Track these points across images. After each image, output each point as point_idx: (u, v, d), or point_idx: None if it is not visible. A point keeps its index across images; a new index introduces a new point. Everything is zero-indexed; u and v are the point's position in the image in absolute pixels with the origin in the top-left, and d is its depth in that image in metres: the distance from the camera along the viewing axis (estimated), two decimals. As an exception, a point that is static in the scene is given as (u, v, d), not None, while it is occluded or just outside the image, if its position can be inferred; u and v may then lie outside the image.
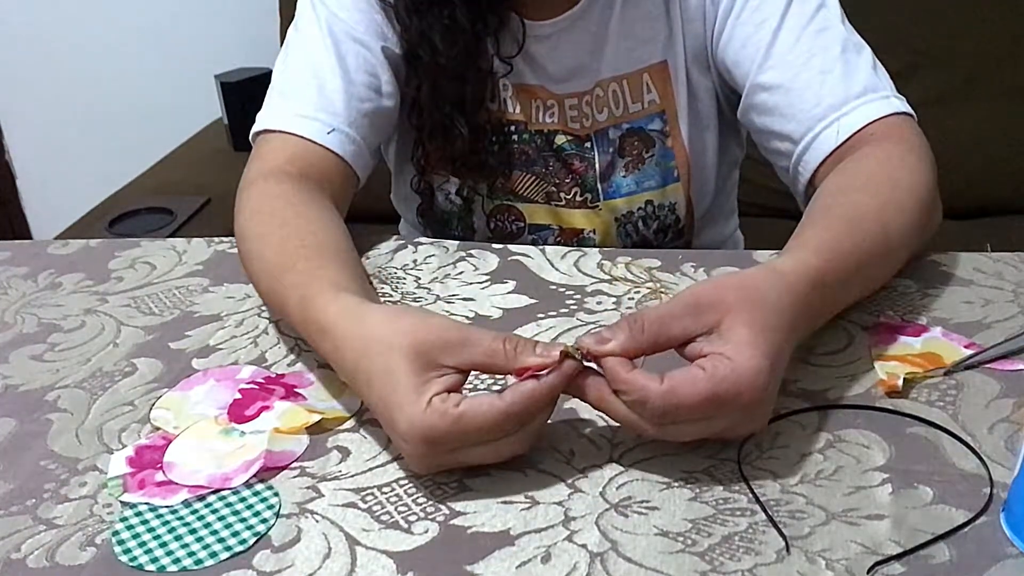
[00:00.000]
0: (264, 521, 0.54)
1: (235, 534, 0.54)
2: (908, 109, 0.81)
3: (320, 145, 0.83)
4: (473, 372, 0.57)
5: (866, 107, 0.79)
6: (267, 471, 0.58)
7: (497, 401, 0.53)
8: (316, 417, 0.62)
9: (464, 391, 0.56)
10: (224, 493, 0.57)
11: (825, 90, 0.80)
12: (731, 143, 0.99)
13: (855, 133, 0.78)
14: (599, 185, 0.94)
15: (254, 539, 0.53)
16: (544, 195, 0.96)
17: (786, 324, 0.56)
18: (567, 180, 0.95)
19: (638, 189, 0.95)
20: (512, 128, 0.94)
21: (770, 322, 0.55)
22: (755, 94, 0.85)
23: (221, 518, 0.55)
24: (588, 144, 0.93)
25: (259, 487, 0.57)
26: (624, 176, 0.94)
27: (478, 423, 0.53)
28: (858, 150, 0.77)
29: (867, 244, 0.67)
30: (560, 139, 0.94)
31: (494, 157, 0.93)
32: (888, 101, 0.80)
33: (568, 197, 0.96)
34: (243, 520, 0.55)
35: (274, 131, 0.84)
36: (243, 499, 0.56)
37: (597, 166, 0.94)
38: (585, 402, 0.57)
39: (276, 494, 0.57)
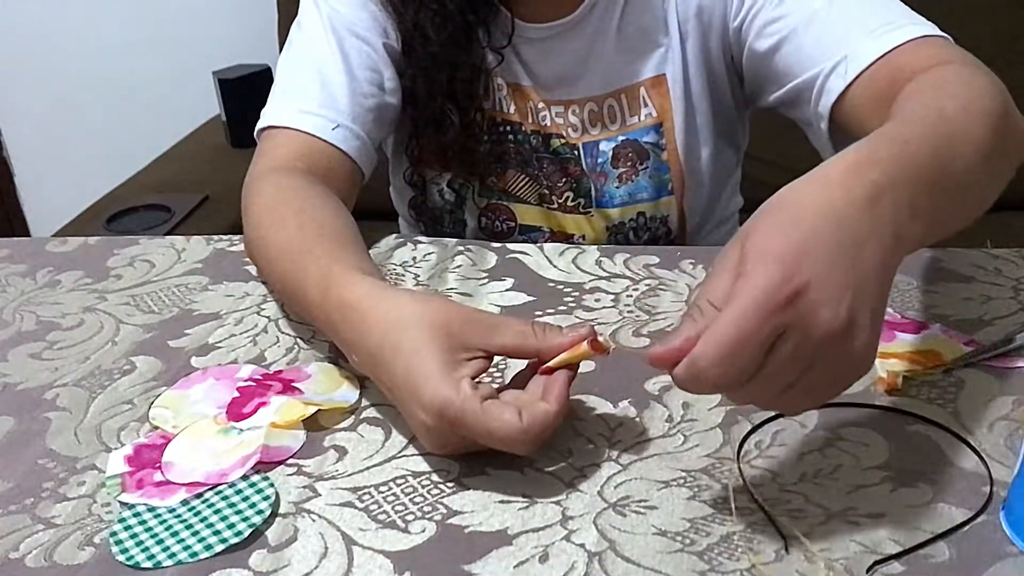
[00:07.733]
0: (260, 512, 0.54)
1: (231, 526, 0.53)
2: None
3: (325, 141, 0.83)
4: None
5: (911, 27, 0.75)
6: (263, 466, 0.58)
7: (515, 420, 0.53)
8: (312, 409, 0.62)
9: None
10: (220, 488, 0.57)
11: (865, 12, 0.78)
12: (726, 151, 0.98)
13: (901, 45, 0.74)
14: (593, 192, 0.94)
15: (249, 530, 0.53)
16: (537, 196, 0.96)
17: (819, 215, 0.47)
18: (560, 183, 0.95)
19: (631, 200, 0.94)
20: (508, 128, 0.94)
21: (792, 217, 0.48)
22: (770, 28, 0.82)
23: (217, 511, 0.55)
24: (582, 151, 0.93)
25: (255, 478, 0.57)
26: (617, 187, 0.94)
27: (492, 427, 0.53)
28: (921, 72, 0.70)
29: (945, 133, 0.57)
30: (556, 142, 0.93)
31: (486, 152, 0.93)
32: (928, 26, 0.76)
33: (561, 201, 0.95)
34: (239, 512, 0.54)
35: (279, 127, 0.84)
36: (239, 491, 0.56)
37: (591, 173, 0.94)
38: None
39: (272, 484, 0.57)
